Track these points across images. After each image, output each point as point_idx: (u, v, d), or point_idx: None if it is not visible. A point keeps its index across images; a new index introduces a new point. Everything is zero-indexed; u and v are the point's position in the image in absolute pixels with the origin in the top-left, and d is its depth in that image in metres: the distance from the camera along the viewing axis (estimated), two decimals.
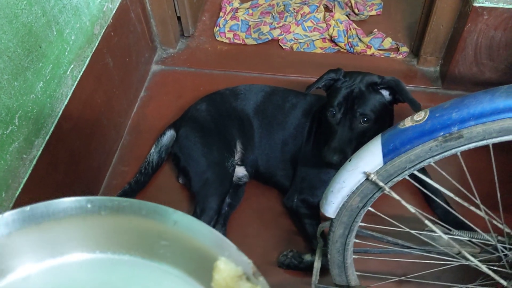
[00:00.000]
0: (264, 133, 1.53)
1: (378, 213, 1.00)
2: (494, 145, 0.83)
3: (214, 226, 1.46)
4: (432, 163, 0.87)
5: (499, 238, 1.04)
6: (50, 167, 1.29)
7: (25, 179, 1.19)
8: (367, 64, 1.87)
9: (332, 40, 1.95)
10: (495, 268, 1.03)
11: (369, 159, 0.89)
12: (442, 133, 0.81)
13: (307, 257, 1.39)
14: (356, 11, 2.03)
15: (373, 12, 2.05)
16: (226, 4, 2.10)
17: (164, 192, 1.59)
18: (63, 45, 1.31)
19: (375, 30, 1.96)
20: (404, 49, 1.89)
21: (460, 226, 1.15)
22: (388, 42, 1.92)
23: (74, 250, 0.72)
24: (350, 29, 1.94)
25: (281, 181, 1.53)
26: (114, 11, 1.59)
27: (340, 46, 1.93)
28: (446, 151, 0.83)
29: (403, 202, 0.93)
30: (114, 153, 1.68)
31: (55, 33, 1.26)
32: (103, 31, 1.52)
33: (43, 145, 1.26)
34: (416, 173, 0.89)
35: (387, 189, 0.90)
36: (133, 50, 1.75)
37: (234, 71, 1.90)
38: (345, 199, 0.95)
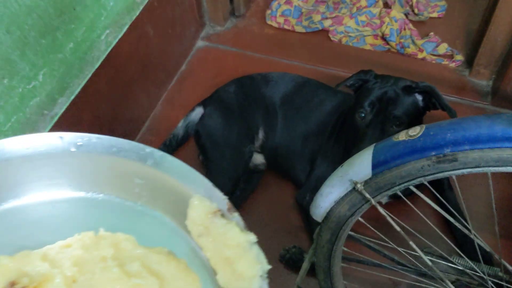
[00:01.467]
0: (288, 124, 1.50)
1: (367, 225, 0.96)
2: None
3: None
4: (425, 183, 0.81)
5: (498, 273, 0.97)
6: (72, 127, 1.34)
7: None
8: (415, 68, 1.78)
9: (383, 38, 1.86)
10: None
11: (359, 169, 0.85)
12: (433, 153, 0.75)
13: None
14: (416, 10, 1.93)
15: (434, 14, 1.93)
16: None
17: None
18: (100, 10, 1.33)
19: (431, 33, 1.85)
20: (459, 57, 1.78)
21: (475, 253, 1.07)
22: (443, 48, 1.81)
23: (46, 189, 0.70)
24: (404, 29, 1.84)
25: (297, 175, 1.50)
26: None
27: (391, 45, 1.84)
28: (439, 172, 0.77)
29: (389, 219, 0.88)
30: (143, 122, 1.71)
31: None
32: (146, 1, 1.54)
33: (67, 104, 1.30)
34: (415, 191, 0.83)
35: (373, 202, 0.85)
36: (178, 23, 1.76)
37: (276, 57, 1.87)
38: (333, 204, 0.91)
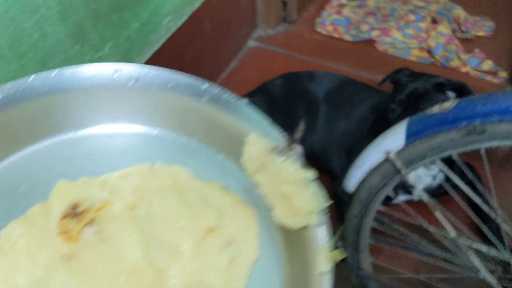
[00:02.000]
0: (329, 119, 1.57)
1: (406, 206, 1.01)
2: None
3: None
4: (454, 156, 0.86)
5: None
6: None
7: None
8: None
9: (429, 51, 1.91)
10: None
11: (393, 139, 0.91)
12: (464, 123, 0.80)
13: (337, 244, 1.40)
14: (463, 28, 1.97)
15: (481, 33, 1.97)
16: None
17: None
18: None
19: (477, 49, 1.89)
20: (503, 74, 1.81)
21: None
22: (487, 64, 1.84)
23: (103, 122, 0.71)
24: (450, 44, 1.89)
25: (334, 167, 1.55)
26: None
27: (435, 59, 1.89)
28: (468, 144, 0.83)
29: (419, 189, 0.93)
30: None
31: None
32: None
33: None
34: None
35: (403, 172, 0.90)
36: (233, 22, 1.87)
37: (323, 61, 1.95)
38: (365, 175, 0.97)
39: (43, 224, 0.60)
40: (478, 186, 1.07)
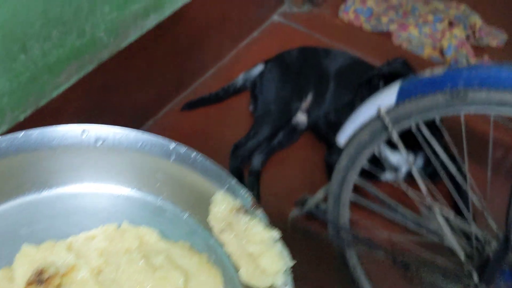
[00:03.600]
0: (336, 95, 1.67)
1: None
2: None
3: (255, 152, 1.63)
4: (437, 121, 0.96)
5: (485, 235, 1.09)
6: (153, 44, 1.56)
7: (132, 39, 1.46)
8: None
9: (441, 51, 2.01)
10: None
11: (386, 97, 1.01)
12: (448, 87, 0.90)
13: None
14: (477, 36, 2.07)
15: (494, 43, 2.06)
16: None
17: (231, 115, 1.81)
18: None
19: (486, 56, 1.98)
20: None
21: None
22: None
23: (69, 182, 0.71)
24: (462, 47, 1.99)
25: (332, 139, 1.65)
26: None
27: (445, 59, 1.98)
28: (450, 107, 0.92)
29: (403, 152, 1.03)
30: (210, 68, 1.92)
31: None
32: None
33: (157, 22, 1.52)
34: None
35: (390, 128, 1.01)
36: None
37: (341, 45, 2.05)
38: (356, 129, 1.08)
39: None
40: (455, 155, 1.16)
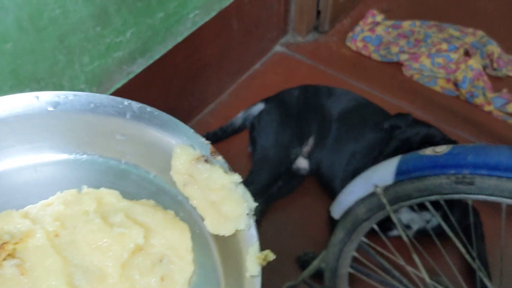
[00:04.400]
0: (339, 138, 1.55)
1: (387, 242, 0.99)
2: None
3: (256, 198, 1.52)
4: (441, 201, 0.85)
5: None
6: (144, 87, 1.47)
7: (118, 86, 1.38)
8: (479, 119, 1.78)
9: (455, 84, 1.87)
10: None
11: (382, 174, 0.89)
12: (453, 172, 0.79)
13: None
14: (495, 65, 1.92)
15: None
16: (370, 16, 2.13)
17: (231, 155, 1.70)
18: None
19: (505, 90, 1.84)
20: None
21: None
22: None
23: (27, 153, 0.69)
24: (478, 80, 1.85)
25: (337, 188, 1.54)
26: None
27: (460, 92, 1.85)
28: (455, 193, 0.81)
29: (401, 230, 0.91)
30: (208, 104, 1.82)
31: None
32: None
33: (144, 66, 1.43)
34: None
35: (388, 208, 0.89)
36: (262, 24, 1.87)
37: (347, 77, 1.93)
38: (352, 204, 0.96)
39: None
40: (478, 234, 1.05)
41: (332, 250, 1.06)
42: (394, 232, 1.39)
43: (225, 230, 0.60)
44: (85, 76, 1.26)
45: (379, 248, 1.07)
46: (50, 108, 0.66)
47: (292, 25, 2.04)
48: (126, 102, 0.65)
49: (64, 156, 0.70)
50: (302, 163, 1.59)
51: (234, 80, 1.90)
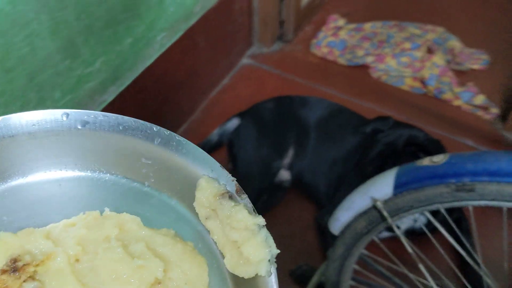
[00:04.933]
0: (318, 146, 1.55)
1: (381, 245, 1.00)
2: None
3: None
4: (442, 210, 0.85)
5: None
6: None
7: None
8: (449, 114, 1.82)
9: (422, 81, 1.91)
10: None
11: (381, 187, 0.90)
12: (453, 181, 0.79)
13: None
14: (458, 60, 1.98)
15: (476, 66, 1.98)
16: (331, 21, 2.15)
17: None
18: (160, 13, 1.44)
19: (470, 83, 1.89)
20: (495, 110, 1.81)
21: None
22: (480, 99, 1.84)
23: (52, 168, 0.69)
24: (444, 76, 1.89)
25: (321, 197, 1.54)
26: None
27: (428, 89, 1.89)
28: (456, 200, 0.82)
29: (404, 241, 0.92)
30: (181, 125, 1.79)
31: (156, 0, 1.39)
32: (203, 12, 1.64)
33: (116, 94, 1.39)
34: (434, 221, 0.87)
35: (390, 221, 0.89)
36: (228, 39, 1.86)
37: (316, 84, 1.94)
38: (351, 219, 0.96)
39: None
40: (461, 235, 1.07)
41: (333, 265, 1.06)
42: (384, 234, 1.40)
43: (245, 272, 0.58)
44: None
45: (379, 258, 1.08)
46: (79, 126, 0.66)
47: (257, 36, 2.04)
48: (155, 128, 0.65)
49: (88, 174, 0.69)
50: (285, 175, 1.58)
51: (205, 97, 1.88)
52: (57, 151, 0.68)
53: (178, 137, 0.65)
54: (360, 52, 2.01)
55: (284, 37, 2.09)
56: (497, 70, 1.99)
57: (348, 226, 0.97)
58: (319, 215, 1.50)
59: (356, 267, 1.05)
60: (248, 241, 0.57)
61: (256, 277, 0.58)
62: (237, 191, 0.61)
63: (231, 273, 0.60)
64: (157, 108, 1.61)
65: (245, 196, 0.60)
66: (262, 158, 1.53)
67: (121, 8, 1.28)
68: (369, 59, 1.99)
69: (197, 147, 0.64)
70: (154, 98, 1.58)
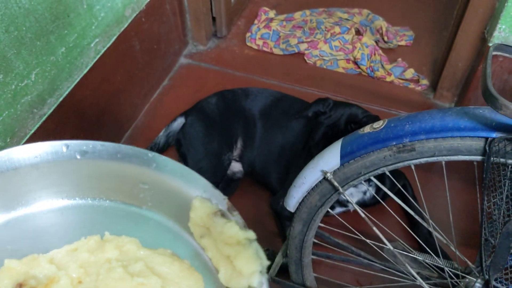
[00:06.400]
0: (265, 135, 1.59)
1: (343, 221, 1.04)
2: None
3: None
4: (386, 172, 0.90)
5: (455, 265, 1.06)
6: (59, 127, 1.40)
7: (32, 131, 1.30)
8: (384, 90, 1.91)
9: (355, 62, 1.99)
10: None
11: (328, 159, 0.94)
12: (394, 143, 0.85)
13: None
14: (385, 38, 2.07)
15: (403, 43, 2.08)
16: (262, 13, 2.19)
17: None
18: (91, 19, 1.42)
19: (399, 59, 1.99)
20: (424, 82, 1.91)
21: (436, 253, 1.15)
22: (410, 73, 1.94)
23: (54, 196, 0.73)
24: (374, 54, 1.98)
25: (273, 183, 1.58)
26: None
27: (361, 69, 1.97)
28: (399, 162, 0.87)
29: (356, 207, 0.96)
30: (126, 131, 1.78)
31: (85, 6, 1.38)
32: (135, 15, 1.63)
33: (55, 105, 1.36)
34: (376, 182, 0.92)
35: (341, 190, 0.93)
36: (163, 40, 1.86)
37: (255, 75, 1.98)
38: (305, 195, 1.00)
39: None
40: (408, 195, 1.13)
41: (293, 242, 1.09)
42: (336, 210, 1.46)
43: (238, 285, 0.62)
44: None
45: (335, 229, 1.13)
46: (78, 156, 0.70)
47: (191, 35, 2.05)
48: (150, 154, 0.70)
49: (88, 201, 0.74)
50: (236, 167, 1.61)
51: (147, 100, 1.87)
52: (59, 181, 0.72)
53: (172, 162, 0.69)
54: (294, 41, 2.06)
55: (218, 33, 2.11)
56: (423, 44, 2.10)
57: (303, 202, 1.01)
58: (273, 200, 1.53)
59: (315, 241, 1.09)
60: (240, 255, 0.61)
61: None
62: (228, 209, 0.65)
63: (226, 287, 0.64)
64: (98, 117, 1.59)
65: (236, 212, 0.65)
66: (212, 152, 1.54)
67: (50, 17, 1.26)
68: (303, 47, 2.05)
69: (191, 170, 0.68)
70: (94, 107, 1.56)
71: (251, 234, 0.63)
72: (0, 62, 1.14)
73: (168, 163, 0.69)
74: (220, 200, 0.66)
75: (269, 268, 1.38)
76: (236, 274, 0.62)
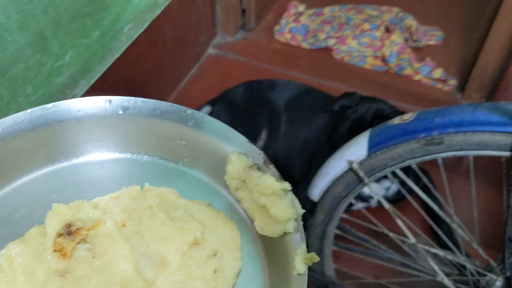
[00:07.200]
0: (290, 127, 1.60)
1: (366, 213, 1.05)
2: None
3: None
4: (413, 166, 0.91)
5: (477, 263, 1.05)
6: None
7: None
8: (411, 88, 1.90)
9: (383, 59, 1.99)
10: None
11: (355, 149, 0.95)
12: (423, 135, 0.85)
13: None
14: (414, 37, 2.06)
15: (432, 42, 2.07)
16: (292, 7, 2.20)
17: None
18: (126, 4, 1.45)
19: (428, 58, 1.98)
20: (452, 82, 1.90)
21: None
22: (438, 72, 1.93)
23: (95, 150, 0.76)
24: (403, 53, 1.97)
25: (296, 176, 1.59)
26: None
27: (389, 66, 1.96)
28: (427, 154, 0.87)
29: (381, 199, 0.97)
30: None
31: None
32: (167, 3, 1.66)
33: (87, 87, 1.39)
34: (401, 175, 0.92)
35: (366, 181, 0.94)
36: (193, 29, 1.88)
37: (282, 68, 1.99)
38: (329, 184, 1.01)
39: (39, 244, 0.65)
40: (433, 191, 1.13)
41: (315, 231, 1.10)
42: (358, 205, 1.46)
43: (274, 232, 0.64)
44: (30, 107, 1.20)
45: (358, 220, 1.13)
46: (120, 112, 0.74)
47: (220, 26, 2.06)
48: (189, 111, 0.72)
49: (127, 155, 0.77)
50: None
51: (174, 88, 1.90)
52: (100, 135, 0.75)
53: (209, 118, 0.71)
54: (322, 36, 2.07)
55: (247, 25, 2.13)
56: (452, 44, 2.09)
57: (326, 192, 1.02)
58: (295, 193, 1.54)
59: (337, 231, 1.10)
60: (276, 204, 0.63)
61: (284, 235, 0.63)
62: (264, 163, 0.67)
63: (261, 235, 0.67)
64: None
65: (271, 166, 0.67)
66: None
67: (86, 1, 1.29)
68: (331, 42, 2.05)
69: (228, 126, 0.70)
70: (123, 92, 1.58)
71: (287, 185, 0.65)
72: (38, 42, 1.18)
73: (206, 119, 0.71)
74: (256, 154, 0.67)
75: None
76: (271, 221, 0.64)
